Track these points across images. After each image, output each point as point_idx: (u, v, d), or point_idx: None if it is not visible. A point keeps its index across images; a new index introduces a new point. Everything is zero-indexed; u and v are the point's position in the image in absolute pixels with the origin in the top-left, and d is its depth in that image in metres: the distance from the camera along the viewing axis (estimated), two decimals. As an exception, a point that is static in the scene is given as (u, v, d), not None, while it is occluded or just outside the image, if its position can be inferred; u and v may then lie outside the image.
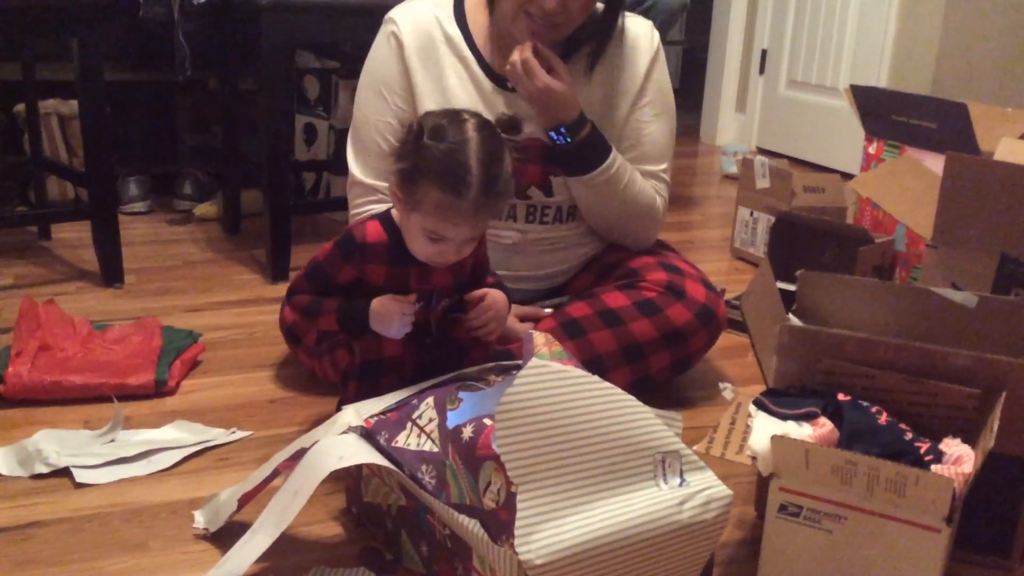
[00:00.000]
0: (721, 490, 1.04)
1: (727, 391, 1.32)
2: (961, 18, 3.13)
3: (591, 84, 1.58)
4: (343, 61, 2.75)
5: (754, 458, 1.11)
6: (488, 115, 1.49)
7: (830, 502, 1.05)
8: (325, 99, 2.82)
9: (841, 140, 3.44)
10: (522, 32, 1.47)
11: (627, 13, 1.60)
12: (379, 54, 1.57)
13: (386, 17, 1.57)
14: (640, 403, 1.06)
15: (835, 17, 3.54)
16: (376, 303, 1.25)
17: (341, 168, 2.79)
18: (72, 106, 2.61)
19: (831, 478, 1.03)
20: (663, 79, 1.63)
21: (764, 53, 3.94)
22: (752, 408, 1.15)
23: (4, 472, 1.34)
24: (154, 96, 2.95)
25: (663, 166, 1.64)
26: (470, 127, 1.18)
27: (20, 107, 2.60)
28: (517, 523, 0.96)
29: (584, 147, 1.52)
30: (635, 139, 1.61)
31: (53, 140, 2.64)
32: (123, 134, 2.72)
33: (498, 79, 1.55)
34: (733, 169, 3.45)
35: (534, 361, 1.03)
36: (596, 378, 1.05)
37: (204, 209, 2.70)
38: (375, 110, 1.56)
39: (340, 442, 1.15)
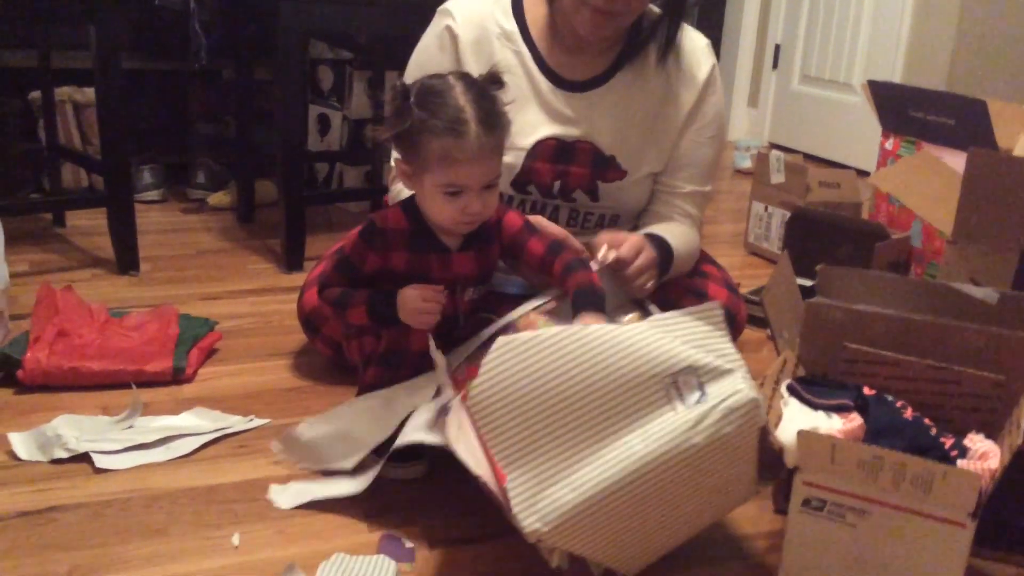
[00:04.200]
0: (742, 396, 0.99)
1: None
2: (977, 12, 3.12)
3: (654, 82, 1.54)
4: (357, 52, 2.75)
5: (780, 448, 1.10)
6: (543, 114, 1.51)
7: (855, 496, 1.04)
8: (339, 90, 2.82)
9: (856, 136, 3.44)
10: (582, 24, 1.43)
11: (683, 25, 1.55)
12: (431, 46, 1.54)
13: (442, 8, 1.54)
14: (643, 328, 1.03)
15: (849, 11, 3.53)
16: (403, 293, 1.25)
17: (354, 159, 2.81)
18: (87, 94, 2.61)
19: (856, 472, 1.03)
20: (720, 100, 1.59)
21: (777, 48, 3.93)
22: (784, 393, 1.15)
23: (24, 457, 1.34)
24: (168, 85, 2.95)
25: (709, 187, 1.61)
26: (450, 77, 1.23)
27: (35, 94, 2.60)
28: (513, 500, 0.98)
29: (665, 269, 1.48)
30: (689, 159, 1.56)
31: (68, 127, 2.64)
32: (137, 122, 2.73)
33: (553, 75, 1.52)
34: (746, 164, 3.44)
35: (498, 341, 1.02)
36: (578, 328, 1.03)
37: (218, 198, 2.70)
38: None
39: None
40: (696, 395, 1.01)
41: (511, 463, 1.00)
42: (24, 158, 2.57)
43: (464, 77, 1.24)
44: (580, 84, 1.52)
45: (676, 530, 1.08)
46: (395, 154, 1.26)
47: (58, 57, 2.41)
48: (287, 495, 1.28)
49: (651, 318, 1.08)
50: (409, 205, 1.29)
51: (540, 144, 1.50)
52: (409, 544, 1.18)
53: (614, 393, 1.01)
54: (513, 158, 1.49)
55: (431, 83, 1.22)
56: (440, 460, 1.35)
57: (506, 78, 1.49)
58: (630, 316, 1.25)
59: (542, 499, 0.98)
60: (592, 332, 1.03)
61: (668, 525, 1.06)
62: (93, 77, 2.04)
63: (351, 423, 1.30)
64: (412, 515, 1.25)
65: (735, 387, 1.00)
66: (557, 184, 1.52)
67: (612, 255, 1.35)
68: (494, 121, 1.21)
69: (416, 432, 1.17)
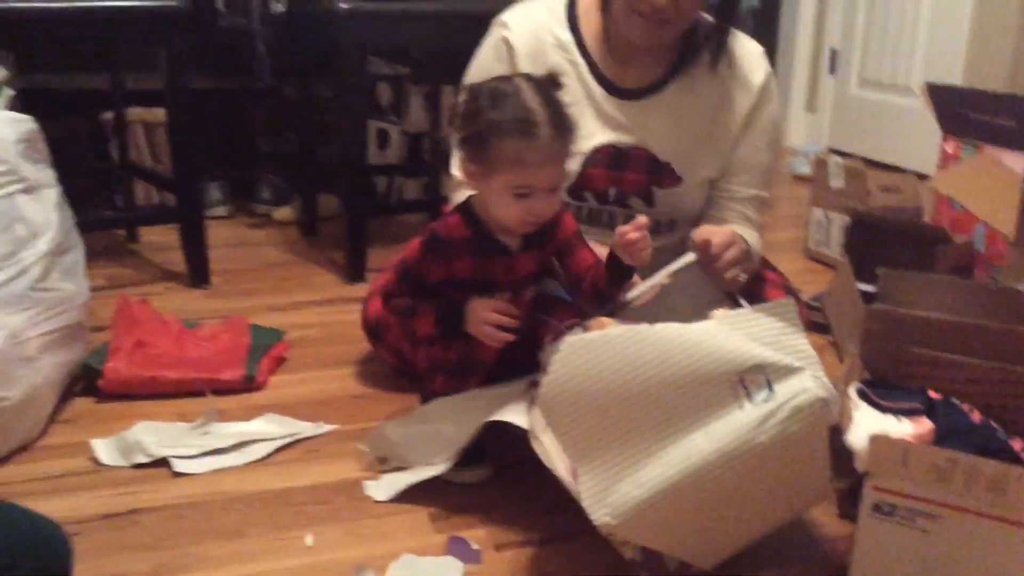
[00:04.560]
0: (809, 395, 0.99)
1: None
2: (1040, 13, 3.06)
3: (709, 89, 1.55)
4: (414, 67, 2.81)
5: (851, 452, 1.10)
6: (599, 122, 1.53)
7: (926, 501, 1.04)
8: (397, 105, 2.88)
9: (916, 139, 3.39)
10: (634, 32, 1.45)
11: (736, 32, 1.57)
12: (488, 57, 1.57)
13: (498, 19, 1.57)
14: (711, 326, 1.05)
15: (907, 14, 3.49)
16: (472, 305, 1.28)
17: (413, 171, 2.86)
18: (156, 114, 2.70)
19: (929, 477, 1.02)
20: (776, 106, 1.60)
21: (834, 52, 3.90)
22: (853, 395, 1.15)
23: (107, 462, 1.40)
24: (232, 103, 3.04)
25: (766, 193, 1.62)
26: (518, 79, 1.25)
27: (106, 115, 2.70)
28: (584, 494, 1.03)
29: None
30: (747, 164, 1.57)
31: (138, 147, 2.74)
32: (204, 140, 2.81)
33: (608, 84, 1.54)
34: (805, 170, 3.42)
35: (565, 341, 1.06)
36: (645, 328, 1.05)
37: (282, 213, 2.77)
38: None
39: None
40: (764, 393, 1.02)
41: (580, 459, 1.05)
42: (97, 177, 2.67)
43: (530, 79, 1.25)
44: (635, 92, 1.54)
45: (748, 525, 1.10)
46: (460, 156, 1.27)
47: (128, 79, 2.50)
48: (382, 488, 1.32)
49: (723, 314, 1.09)
50: (467, 210, 1.31)
51: (596, 151, 1.53)
52: (475, 546, 1.21)
53: (680, 391, 1.03)
54: (569, 165, 1.51)
55: (501, 86, 1.24)
56: (504, 464, 1.38)
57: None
58: (719, 311, 1.23)
59: (611, 494, 1.02)
60: (659, 331, 1.05)
61: (739, 520, 1.08)
62: (163, 98, 2.12)
63: (440, 422, 1.33)
64: (478, 518, 1.28)
65: (803, 386, 1.01)
66: (613, 191, 1.54)
67: (700, 238, 1.35)
68: (563, 123, 1.23)
69: (509, 414, 1.22)
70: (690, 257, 1.34)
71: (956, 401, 1.14)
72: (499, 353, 1.34)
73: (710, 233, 1.37)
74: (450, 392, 1.34)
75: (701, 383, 1.03)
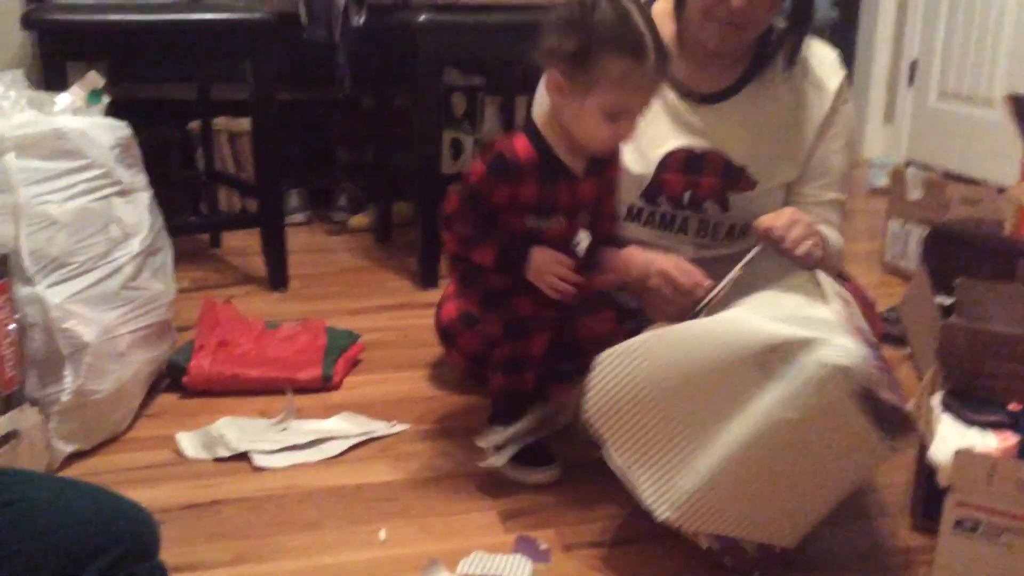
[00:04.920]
0: (828, 367, 1.02)
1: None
2: None
3: (784, 94, 1.56)
4: (488, 78, 2.85)
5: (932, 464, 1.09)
6: (673, 126, 1.54)
7: (1012, 516, 1.02)
8: (471, 115, 2.92)
9: (996, 152, 3.31)
10: (710, 37, 1.46)
11: (809, 38, 1.57)
12: None
13: None
14: (729, 315, 1.12)
15: (989, 25, 3.41)
16: (538, 252, 1.29)
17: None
18: (240, 123, 2.79)
19: (1016, 492, 1.01)
20: (851, 109, 1.59)
21: (914, 64, 3.83)
22: (937, 407, 1.14)
23: (190, 455, 1.46)
24: (312, 113, 3.11)
25: (843, 196, 1.61)
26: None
27: (193, 124, 2.80)
28: (644, 495, 1.11)
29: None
30: (824, 168, 1.57)
31: (223, 155, 2.83)
32: (284, 149, 2.89)
33: (683, 89, 1.55)
34: (882, 182, 3.36)
35: (596, 359, 1.14)
36: (664, 331, 1.13)
37: (358, 220, 2.83)
38: None
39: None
40: (785, 370, 1.04)
41: (634, 464, 1.11)
42: (184, 184, 2.76)
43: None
44: (709, 97, 1.55)
45: (814, 498, 1.11)
46: (552, 70, 1.25)
47: (214, 89, 2.59)
48: (501, 455, 1.36)
49: (742, 303, 1.14)
50: (533, 134, 1.30)
51: (671, 155, 1.54)
52: (544, 546, 1.23)
53: (709, 383, 1.08)
54: (644, 169, 1.53)
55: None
56: (571, 466, 1.40)
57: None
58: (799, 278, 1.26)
59: (668, 489, 1.08)
60: (678, 330, 1.12)
61: (802, 495, 1.10)
62: (248, 108, 2.19)
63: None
64: (547, 518, 1.30)
65: (821, 358, 1.03)
66: (687, 195, 1.55)
67: (764, 225, 1.35)
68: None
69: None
70: (759, 247, 1.34)
71: (1036, 413, 1.12)
72: (549, 347, 1.36)
73: (771, 219, 1.36)
74: (508, 391, 1.37)
75: (727, 372, 1.07)
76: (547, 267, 1.30)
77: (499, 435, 1.36)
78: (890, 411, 1.05)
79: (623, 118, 1.24)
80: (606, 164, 1.36)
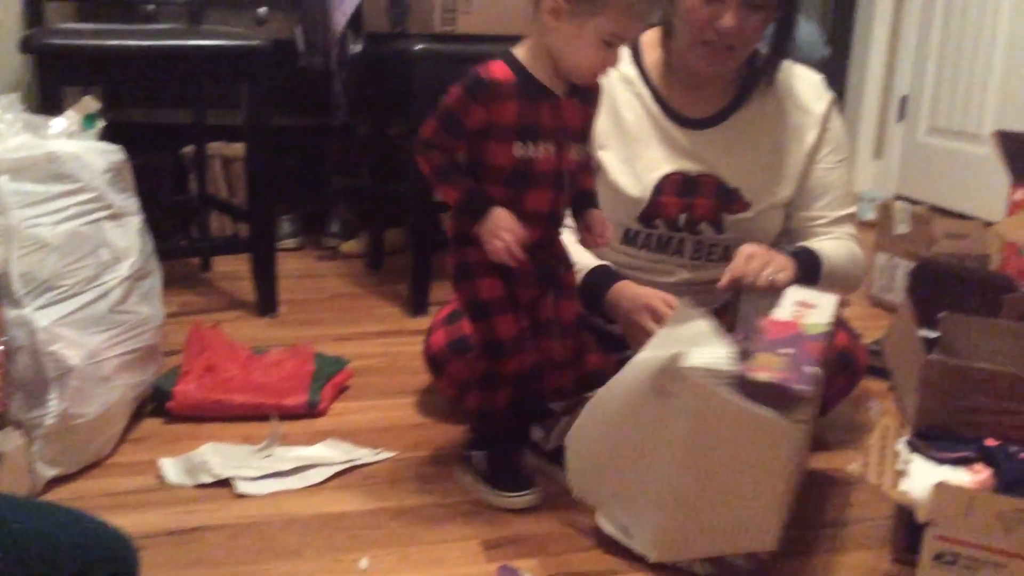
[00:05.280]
0: (690, 377, 1.13)
1: (873, 410, 1.32)
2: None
3: (773, 117, 1.60)
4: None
5: (909, 504, 1.10)
6: (667, 151, 1.58)
7: (990, 550, 1.03)
8: (465, 143, 2.93)
9: (984, 187, 3.34)
10: (700, 61, 1.51)
11: (794, 64, 1.63)
12: None
13: None
14: (636, 359, 1.21)
15: (978, 62, 3.45)
16: (497, 209, 1.27)
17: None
18: (234, 148, 2.80)
19: (993, 525, 1.01)
20: (840, 126, 1.65)
21: (904, 99, 3.87)
22: (904, 449, 1.15)
23: (173, 480, 1.45)
24: (307, 139, 3.13)
25: (853, 209, 1.66)
26: None
27: (186, 149, 2.81)
28: (633, 544, 1.24)
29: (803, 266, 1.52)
30: (824, 187, 1.61)
31: (216, 180, 2.84)
32: (277, 175, 2.90)
33: (675, 115, 1.59)
34: (870, 215, 3.38)
35: (565, 441, 1.29)
36: (598, 392, 1.25)
37: (350, 246, 2.84)
38: None
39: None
40: (674, 388, 1.16)
41: (618, 518, 1.26)
42: (176, 208, 2.77)
43: None
44: (700, 122, 1.59)
45: (758, 494, 1.16)
46: None
47: (209, 115, 2.60)
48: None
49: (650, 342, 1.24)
50: (511, 59, 1.29)
51: (666, 179, 1.57)
52: (527, 574, 1.22)
53: (634, 424, 1.20)
54: (640, 192, 1.57)
55: None
56: (555, 495, 1.40)
57: (630, 117, 1.57)
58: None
59: (644, 530, 1.21)
60: (604, 389, 1.24)
61: (745, 495, 1.16)
62: (242, 133, 2.20)
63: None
64: (529, 548, 1.30)
65: (681, 371, 1.15)
66: (683, 217, 1.58)
67: (726, 277, 1.40)
68: None
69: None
70: (734, 297, 1.39)
71: (1014, 448, 1.12)
72: (522, 368, 1.38)
73: (728, 272, 1.41)
74: (484, 410, 1.40)
75: (641, 408, 1.19)
76: (499, 229, 1.26)
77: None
78: (767, 388, 1.12)
79: (616, 45, 1.25)
80: (591, 93, 1.36)
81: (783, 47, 1.57)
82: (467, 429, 1.47)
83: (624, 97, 1.60)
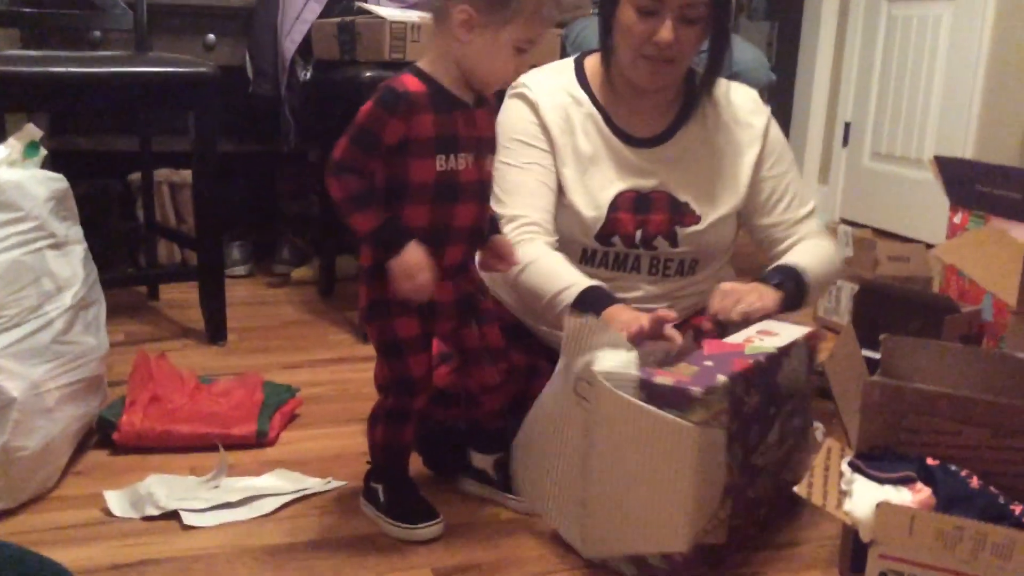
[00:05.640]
0: (601, 373, 1.21)
1: (818, 432, 1.34)
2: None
3: (715, 132, 1.66)
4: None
5: (853, 524, 1.11)
6: (619, 170, 1.63)
7: (932, 568, 1.05)
8: (417, 170, 2.94)
9: (927, 211, 3.42)
10: (641, 76, 1.57)
11: (730, 82, 1.70)
12: (515, 113, 1.65)
13: (513, 85, 1.66)
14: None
15: (919, 89, 3.55)
16: (413, 246, 1.22)
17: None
18: (182, 175, 2.78)
19: (935, 544, 1.03)
20: (780, 136, 1.72)
21: (847, 126, 3.96)
22: (847, 470, 1.16)
23: (118, 513, 1.42)
24: (257, 166, 3.12)
25: (811, 204, 1.73)
26: None
27: (133, 176, 2.78)
28: (573, 543, 1.32)
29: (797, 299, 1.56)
30: (780, 193, 1.69)
31: (163, 207, 2.81)
32: (228, 202, 2.88)
33: (623, 134, 1.64)
34: (816, 240, 3.45)
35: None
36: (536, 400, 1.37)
37: (301, 273, 2.82)
38: (524, 155, 1.62)
39: None
40: (589, 391, 1.24)
41: (559, 521, 1.32)
42: (123, 236, 2.73)
43: None
44: (648, 140, 1.65)
45: (669, 496, 1.20)
46: (464, 6, 1.22)
47: (156, 141, 2.58)
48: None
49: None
50: (418, 72, 1.27)
51: (620, 196, 1.62)
52: (478, 603, 1.22)
53: (560, 427, 1.30)
54: (595, 211, 1.61)
55: None
56: (508, 521, 1.39)
57: (583, 137, 1.62)
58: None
59: (576, 529, 1.29)
60: (535, 405, 1.36)
61: (655, 497, 1.21)
62: (190, 160, 2.19)
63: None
64: (481, 573, 1.29)
65: (594, 371, 1.22)
66: (639, 233, 1.63)
67: (707, 317, 1.46)
68: None
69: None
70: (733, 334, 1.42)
71: (953, 467, 1.15)
72: (427, 402, 1.39)
73: (708, 321, 1.47)
74: (392, 444, 1.39)
75: (567, 413, 1.28)
76: (413, 268, 1.22)
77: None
78: (667, 391, 1.17)
79: (526, 51, 1.27)
80: (488, 100, 1.36)
81: (718, 63, 1.62)
82: (367, 461, 1.44)
83: (577, 118, 1.64)
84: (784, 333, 1.38)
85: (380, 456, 1.42)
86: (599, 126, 1.64)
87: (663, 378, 1.18)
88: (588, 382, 1.23)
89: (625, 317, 1.43)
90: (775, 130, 1.71)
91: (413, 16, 2.22)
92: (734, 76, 2.08)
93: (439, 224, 1.29)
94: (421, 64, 1.30)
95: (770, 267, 1.61)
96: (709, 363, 1.24)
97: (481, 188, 1.34)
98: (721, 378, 1.19)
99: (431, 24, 1.29)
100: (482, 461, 1.47)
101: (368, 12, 2.29)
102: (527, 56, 1.29)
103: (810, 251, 1.65)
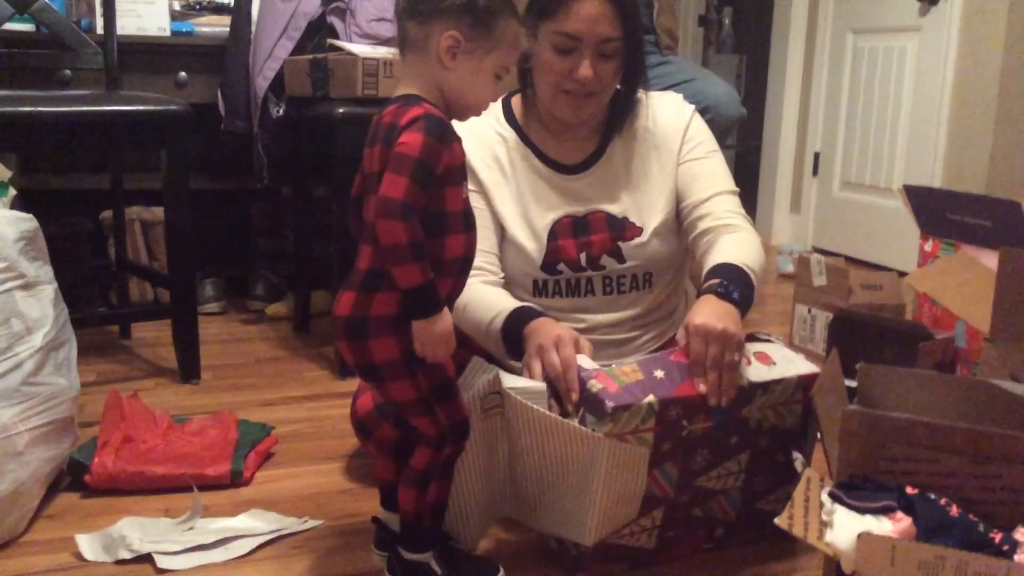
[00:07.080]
0: (509, 388, 1.29)
1: (797, 462, 1.33)
2: (1013, 118, 3.18)
3: (641, 145, 1.68)
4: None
5: (835, 555, 1.11)
6: (554, 198, 1.64)
7: None
8: (391, 204, 2.93)
9: (897, 239, 3.47)
10: (563, 110, 1.58)
11: (655, 93, 1.72)
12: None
13: None
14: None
15: (887, 119, 3.61)
16: (448, 314, 1.19)
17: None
18: (154, 213, 2.76)
19: (917, 573, 1.03)
20: (702, 127, 1.71)
21: (817, 156, 4.01)
22: (827, 500, 1.16)
23: (90, 558, 1.39)
24: (230, 202, 3.10)
25: (733, 186, 1.68)
26: None
27: (106, 214, 2.76)
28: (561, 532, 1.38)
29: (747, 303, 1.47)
30: (697, 172, 1.66)
31: (135, 244, 2.78)
32: (201, 238, 2.87)
33: (553, 163, 1.66)
34: (789, 268, 3.48)
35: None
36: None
37: (275, 309, 2.80)
38: None
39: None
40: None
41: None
42: (94, 274, 2.71)
43: None
44: (577, 167, 1.66)
45: (582, 500, 1.27)
46: (451, 33, 1.21)
47: (128, 179, 2.57)
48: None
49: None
50: (424, 99, 1.24)
51: (557, 223, 1.63)
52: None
53: (490, 441, 1.34)
54: (536, 241, 1.62)
55: None
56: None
57: (513, 172, 1.64)
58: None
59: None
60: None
61: (570, 499, 1.29)
62: (162, 197, 2.17)
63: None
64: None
65: (505, 387, 1.30)
66: (583, 256, 1.63)
67: (701, 387, 1.30)
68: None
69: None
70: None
71: (932, 496, 1.15)
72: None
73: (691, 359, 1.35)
74: (443, 496, 1.29)
75: (497, 426, 1.33)
76: (449, 337, 1.18)
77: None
78: (592, 397, 1.23)
79: (503, 77, 1.28)
80: None
81: (635, 84, 1.64)
82: (405, 528, 1.29)
83: (504, 154, 1.65)
84: (781, 366, 1.35)
85: (429, 518, 1.28)
86: (529, 159, 1.66)
87: (595, 382, 1.25)
88: (499, 395, 1.30)
89: (545, 329, 1.39)
90: (696, 123, 1.71)
91: (385, 53, 2.23)
92: (705, 111, 2.12)
93: (470, 253, 1.27)
94: (415, 92, 1.25)
95: (713, 266, 1.50)
96: (659, 374, 1.27)
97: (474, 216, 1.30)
98: (649, 398, 1.23)
99: (408, 55, 1.27)
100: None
101: (340, 49, 2.30)
102: (503, 83, 1.30)
103: (740, 245, 1.56)
